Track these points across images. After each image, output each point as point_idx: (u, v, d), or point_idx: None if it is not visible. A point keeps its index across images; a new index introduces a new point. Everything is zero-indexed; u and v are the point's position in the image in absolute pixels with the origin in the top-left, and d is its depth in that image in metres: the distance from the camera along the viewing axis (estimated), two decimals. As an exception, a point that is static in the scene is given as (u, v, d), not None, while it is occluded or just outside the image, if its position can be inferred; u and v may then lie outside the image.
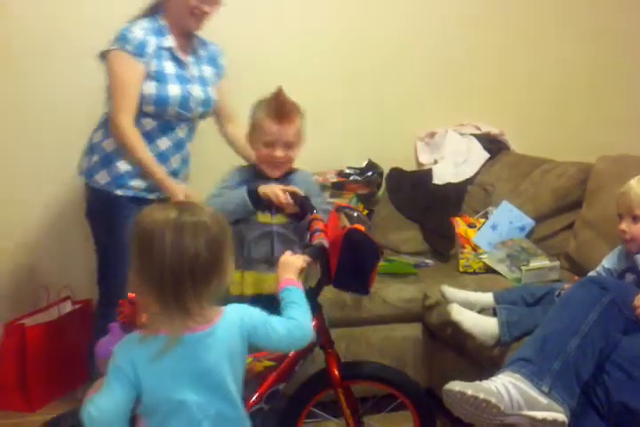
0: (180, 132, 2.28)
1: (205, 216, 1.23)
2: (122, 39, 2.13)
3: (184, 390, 1.21)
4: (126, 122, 2.12)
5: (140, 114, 2.18)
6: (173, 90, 2.20)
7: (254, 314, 1.32)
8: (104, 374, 1.23)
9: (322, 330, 1.78)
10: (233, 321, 1.28)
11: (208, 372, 1.23)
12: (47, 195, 2.81)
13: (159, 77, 2.18)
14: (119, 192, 2.21)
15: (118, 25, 2.18)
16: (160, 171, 2.17)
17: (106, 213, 2.23)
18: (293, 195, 1.89)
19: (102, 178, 2.22)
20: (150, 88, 2.17)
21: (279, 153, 1.90)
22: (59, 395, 2.51)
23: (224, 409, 1.25)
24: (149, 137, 2.21)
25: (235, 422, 1.29)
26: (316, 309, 1.75)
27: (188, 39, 2.29)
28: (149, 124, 2.21)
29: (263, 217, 1.93)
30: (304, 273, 1.59)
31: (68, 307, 2.73)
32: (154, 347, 1.20)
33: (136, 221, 1.24)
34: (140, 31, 2.15)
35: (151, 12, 2.24)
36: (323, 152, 3.05)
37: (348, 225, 1.65)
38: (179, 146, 2.29)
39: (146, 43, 2.14)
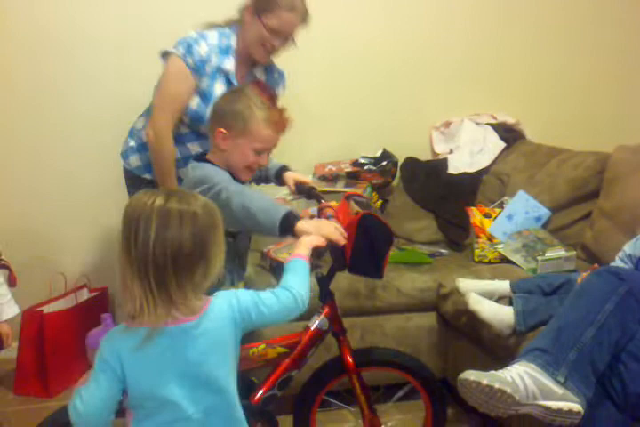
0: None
1: (195, 206, 1.20)
2: (187, 50, 2.12)
3: (170, 383, 1.19)
4: (164, 131, 2.14)
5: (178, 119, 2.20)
6: None
7: (242, 297, 1.29)
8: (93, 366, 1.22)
9: (334, 318, 1.78)
10: (222, 310, 1.25)
11: (194, 365, 1.20)
12: (65, 186, 2.83)
13: (205, 96, 2.18)
14: (147, 176, 2.28)
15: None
16: (173, 184, 2.17)
17: (134, 191, 2.28)
18: (301, 185, 1.87)
19: (135, 161, 2.29)
20: (193, 103, 2.17)
21: (266, 160, 1.81)
22: (76, 382, 2.53)
23: (215, 404, 1.23)
24: (181, 139, 2.23)
25: (228, 418, 1.26)
26: (328, 296, 1.77)
27: (251, 66, 2.27)
28: (184, 128, 2.23)
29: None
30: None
31: (84, 295, 2.76)
32: (138, 339, 1.18)
33: (125, 205, 1.21)
34: (205, 48, 2.12)
35: (227, 25, 2.23)
36: (337, 141, 3.06)
37: (360, 211, 1.65)
38: None
39: (207, 61, 2.13)
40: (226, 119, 1.72)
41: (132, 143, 2.31)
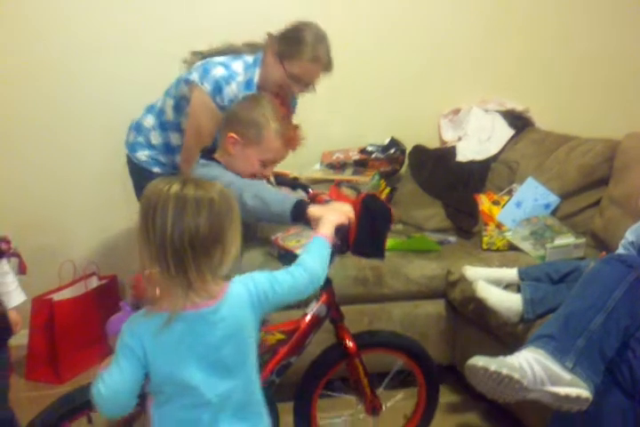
0: None
1: (211, 192, 1.21)
2: (216, 89, 2.09)
3: (189, 368, 1.20)
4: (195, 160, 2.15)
5: None
6: None
7: (259, 279, 1.29)
8: (114, 351, 1.23)
9: (332, 304, 1.80)
10: (240, 295, 1.26)
11: (213, 350, 1.21)
12: (75, 173, 2.85)
13: None
14: (157, 170, 2.30)
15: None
16: None
17: (144, 185, 2.29)
18: (280, 177, 1.86)
19: (144, 157, 2.32)
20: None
21: (270, 172, 1.83)
22: (86, 368, 2.56)
23: (235, 389, 1.24)
24: (169, 126, 2.26)
25: (247, 402, 1.27)
26: (326, 283, 1.77)
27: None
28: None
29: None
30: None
31: (94, 282, 2.78)
32: (158, 324, 1.19)
33: (143, 192, 1.22)
34: (235, 89, 2.09)
35: (250, 52, 2.21)
36: (345, 129, 3.05)
37: (362, 192, 1.64)
38: None
39: (234, 100, 2.10)
40: (239, 125, 1.74)
41: (141, 139, 2.32)
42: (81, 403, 1.51)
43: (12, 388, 2.00)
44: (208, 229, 1.18)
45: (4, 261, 1.96)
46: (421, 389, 1.99)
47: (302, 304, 1.77)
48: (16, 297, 1.95)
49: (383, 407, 1.88)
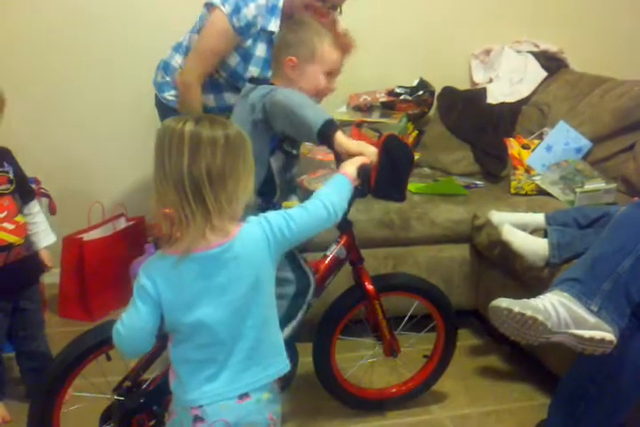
0: None
1: (226, 129, 1.20)
2: (234, 10, 2.06)
3: (203, 308, 1.21)
4: (194, 85, 2.15)
5: (216, 71, 2.20)
6: (252, 72, 2.18)
7: (272, 217, 1.27)
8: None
9: (351, 247, 1.81)
10: (253, 233, 1.24)
11: (228, 289, 1.21)
12: (102, 116, 2.85)
13: (246, 56, 2.16)
14: None
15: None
16: None
17: None
18: None
19: (171, 96, 2.30)
20: (233, 60, 2.17)
21: (334, 85, 1.79)
22: (115, 307, 2.63)
23: (249, 330, 1.24)
24: (218, 88, 2.24)
25: (262, 345, 1.27)
26: (346, 225, 1.78)
27: None
28: (222, 79, 2.23)
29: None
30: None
31: (122, 223, 2.81)
32: (172, 265, 1.20)
33: (158, 129, 1.21)
34: (253, 11, 2.06)
35: None
36: (372, 70, 2.98)
37: (383, 133, 1.61)
38: None
39: (253, 24, 2.09)
40: (294, 47, 1.73)
41: (169, 79, 2.30)
42: (99, 341, 1.55)
43: (46, 324, 2.08)
44: (223, 164, 1.17)
45: (35, 202, 1.98)
46: (440, 331, 2.02)
47: (322, 247, 1.80)
48: (46, 237, 1.99)
49: (401, 350, 1.91)
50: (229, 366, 1.24)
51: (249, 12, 2.07)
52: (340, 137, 1.50)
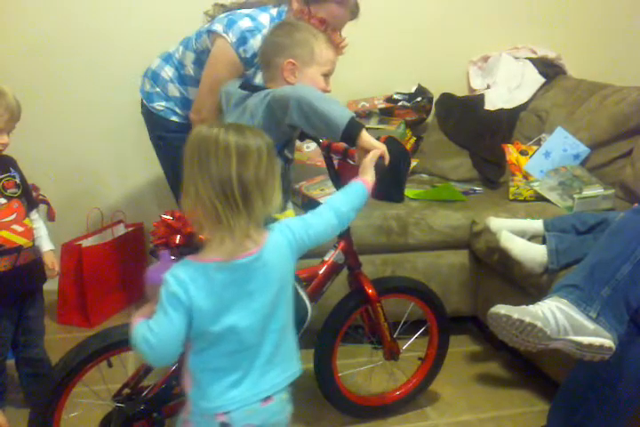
0: None
1: (264, 138, 1.22)
2: (240, 40, 2.05)
3: (233, 316, 1.21)
4: (212, 120, 2.11)
5: None
6: None
7: (294, 226, 1.31)
8: (151, 300, 1.23)
9: (349, 252, 1.81)
10: (279, 242, 1.27)
11: (257, 297, 1.23)
12: (103, 122, 2.85)
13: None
14: (175, 119, 2.28)
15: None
16: None
17: (162, 133, 2.30)
18: None
19: (159, 106, 2.29)
20: None
21: (330, 86, 1.77)
22: (113, 313, 2.63)
23: (273, 335, 1.26)
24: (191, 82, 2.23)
25: (281, 349, 1.28)
26: (343, 231, 1.78)
27: None
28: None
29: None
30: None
31: (121, 230, 2.82)
32: (204, 273, 1.20)
33: (193, 136, 1.21)
34: (260, 40, 2.02)
35: (275, 3, 2.16)
36: (370, 77, 2.99)
37: (380, 137, 1.62)
38: None
39: (258, 54, 2.02)
40: (290, 50, 1.69)
41: (158, 90, 2.28)
42: (102, 347, 1.56)
43: (45, 330, 2.07)
44: (266, 172, 1.19)
45: (34, 211, 1.99)
46: (433, 332, 2.04)
47: (320, 253, 1.79)
48: (47, 244, 1.99)
49: (401, 352, 1.93)
50: (253, 371, 1.25)
51: (256, 43, 2.04)
52: (366, 135, 1.48)
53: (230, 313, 1.21)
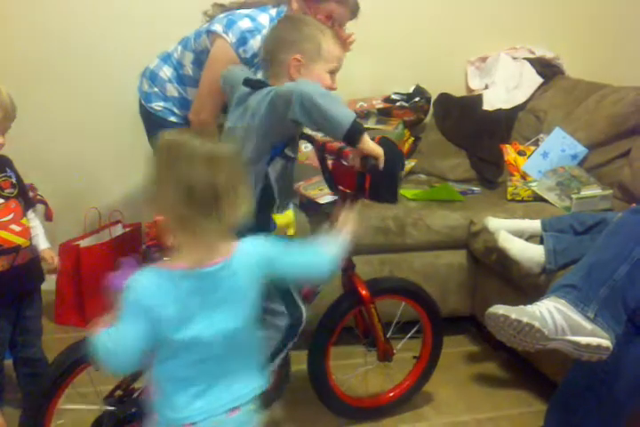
0: None
1: (229, 146, 1.22)
2: (240, 40, 2.04)
3: (198, 323, 1.19)
4: (211, 122, 2.13)
5: None
6: None
7: (268, 244, 1.29)
8: (116, 307, 1.20)
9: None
10: (248, 253, 1.25)
11: (223, 305, 1.21)
12: (100, 122, 2.84)
13: None
14: (173, 119, 2.27)
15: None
16: None
17: (157, 133, 2.27)
18: None
19: (157, 106, 2.28)
20: None
21: (336, 84, 1.72)
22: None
23: (240, 345, 1.25)
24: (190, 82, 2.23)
25: (251, 359, 1.29)
26: None
27: None
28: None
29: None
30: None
31: (118, 230, 2.81)
32: (169, 280, 1.18)
33: (162, 141, 1.20)
34: (259, 42, 2.02)
35: (275, 4, 2.15)
36: (368, 77, 2.99)
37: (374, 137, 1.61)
38: None
39: (258, 55, 2.05)
40: (297, 45, 1.63)
41: (156, 90, 2.27)
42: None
43: (43, 330, 2.07)
44: (236, 179, 1.17)
45: (30, 210, 1.98)
46: (427, 334, 2.03)
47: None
48: (44, 243, 1.99)
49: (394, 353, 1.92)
50: (218, 382, 1.23)
51: (256, 44, 2.03)
52: (367, 139, 1.50)
53: (194, 322, 1.19)
